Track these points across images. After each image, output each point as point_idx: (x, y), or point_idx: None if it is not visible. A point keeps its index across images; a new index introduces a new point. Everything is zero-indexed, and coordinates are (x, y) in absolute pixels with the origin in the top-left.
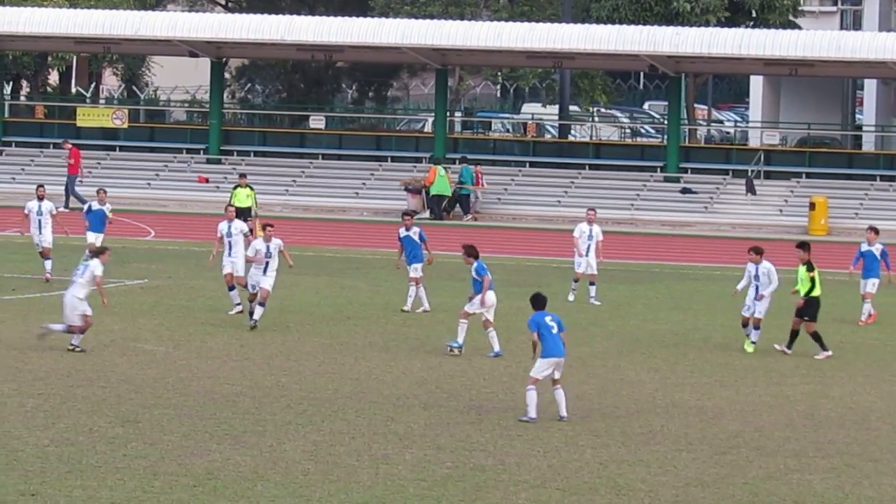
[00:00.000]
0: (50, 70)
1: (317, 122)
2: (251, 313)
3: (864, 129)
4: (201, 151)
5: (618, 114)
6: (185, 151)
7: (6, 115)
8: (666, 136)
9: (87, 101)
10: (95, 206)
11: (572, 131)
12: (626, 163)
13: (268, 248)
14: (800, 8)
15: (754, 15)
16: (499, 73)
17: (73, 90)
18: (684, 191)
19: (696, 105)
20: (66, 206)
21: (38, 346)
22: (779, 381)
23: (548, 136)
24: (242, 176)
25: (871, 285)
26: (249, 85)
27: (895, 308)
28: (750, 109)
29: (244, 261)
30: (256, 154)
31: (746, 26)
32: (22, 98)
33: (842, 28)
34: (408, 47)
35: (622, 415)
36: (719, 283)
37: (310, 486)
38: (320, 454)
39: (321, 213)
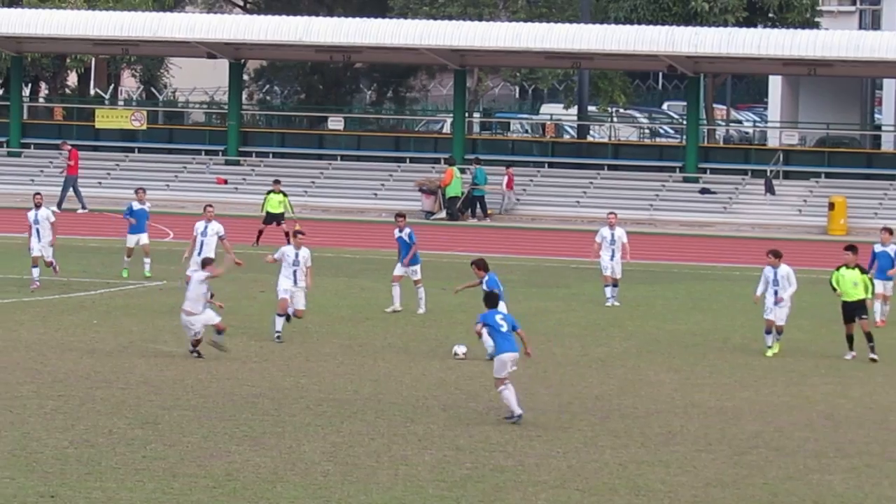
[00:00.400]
0: (68, 72)
1: (335, 123)
2: (279, 326)
3: (884, 128)
4: (220, 153)
5: (636, 114)
6: (203, 153)
7: (25, 117)
8: (685, 137)
9: (106, 102)
10: (136, 205)
11: (591, 132)
12: (644, 163)
13: (296, 255)
14: (818, 8)
15: (773, 15)
16: (517, 74)
17: (92, 92)
18: (703, 191)
19: (714, 105)
20: (84, 208)
21: (59, 348)
22: (798, 381)
23: (566, 137)
24: (277, 182)
25: (885, 286)
26: (268, 86)
27: None
28: (769, 109)
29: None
30: (275, 155)
31: (765, 26)
32: (41, 100)
33: (860, 28)
34: (426, 48)
35: (641, 415)
36: (738, 284)
37: (329, 488)
38: (339, 455)
39: (340, 214)
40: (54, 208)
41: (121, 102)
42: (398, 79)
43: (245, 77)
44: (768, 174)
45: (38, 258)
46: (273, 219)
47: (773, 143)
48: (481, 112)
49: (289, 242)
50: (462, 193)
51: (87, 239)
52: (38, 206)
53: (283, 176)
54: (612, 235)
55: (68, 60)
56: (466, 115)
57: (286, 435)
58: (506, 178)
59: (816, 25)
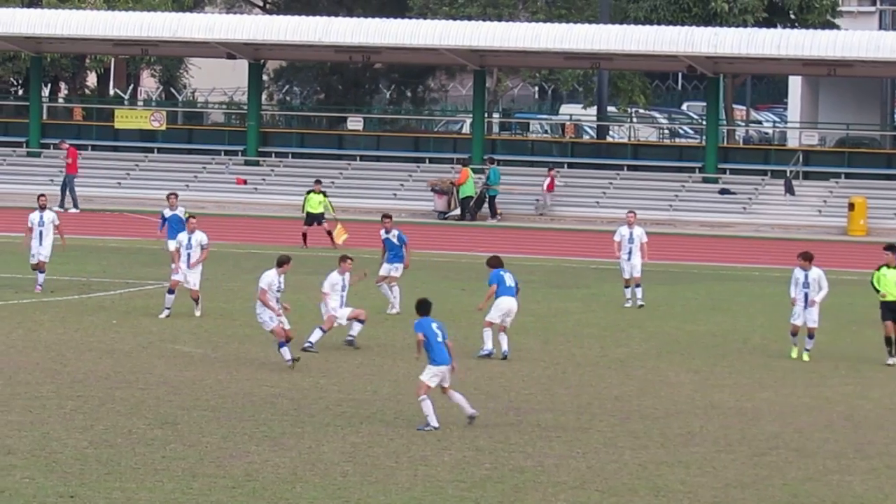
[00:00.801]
0: (88, 72)
1: (354, 123)
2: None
3: None
4: (239, 153)
5: (656, 115)
6: (223, 153)
7: (45, 117)
8: (704, 137)
9: (125, 103)
10: (168, 212)
11: (610, 132)
12: (664, 164)
13: (343, 280)
14: (838, 8)
15: (792, 15)
16: (537, 75)
17: (111, 92)
18: (723, 191)
19: (734, 106)
20: (62, 207)
21: (79, 348)
22: (818, 382)
23: (586, 138)
24: (317, 182)
25: None
26: (287, 86)
27: None
28: (788, 110)
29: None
30: (294, 156)
31: (785, 27)
32: (60, 100)
33: (880, 28)
34: (445, 48)
35: (661, 416)
36: (758, 284)
37: (348, 488)
38: (359, 456)
39: (359, 214)
40: (57, 208)
41: (140, 103)
42: (417, 79)
43: (264, 77)
44: (788, 175)
45: (43, 263)
46: (314, 219)
47: (792, 143)
48: (500, 112)
49: (332, 241)
50: (476, 193)
51: (107, 239)
52: (42, 209)
53: (303, 176)
54: (631, 234)
55: (88, 61)
56: (486, 115)
57: (305, 435)
58: (548, 179)
59: (836, 26)
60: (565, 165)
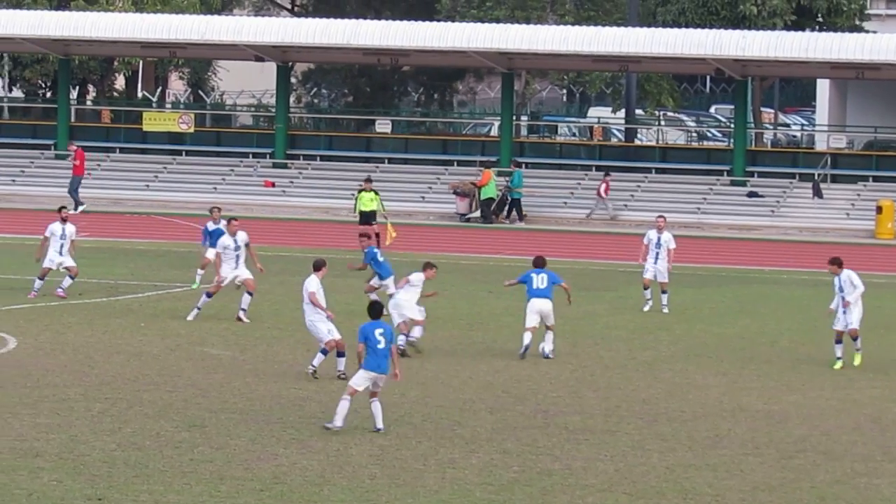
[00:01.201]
0: (116, 75)
1: (383, 126)
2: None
3: None
4: (267, 156)
5: (684, 118)
6: (251, 156)
7: (73, 119)
8: (732, 140)
9: (154, 105)
10: (211, 225)
11: (638, 135)
12: (692, 166)
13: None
14: (866, 11)
15: (820, 18)
16: (565, 78)
17: (140, 95)
18: (751, 194)
19: (762, 109)
20: (77, 209)
21: (106, 351)
22: (845, 385)
23: (614, 140)
24: (367, 180)
25: None
26: (315, 89)
27: None
28: (816, 113)
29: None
30: (322, 158)
31: (813, 30)
32: (88, 103)
33: None
34: (474, 51)
35: (689, 419)
36: (786, 287)
37: (376, 491)
38: (386, 458)
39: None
40: (71, 211)
41: (168, 105)
42: (446, 82)
43: (293, 80)
44: (816, 178)
45: (74, 268)
46: (367, 217)
47: (820, 146)
48: (529, 115)
49: (378, 244)
50: (497, 196)
51: (135, 242)
52: (64, 221)
53: (331, 179)
54: (659, 239)
55: (116, 63)
56: (514, 118)
57: (333, 438)
58: (602, 185)
59: (864, 29)
60: (593, 168)
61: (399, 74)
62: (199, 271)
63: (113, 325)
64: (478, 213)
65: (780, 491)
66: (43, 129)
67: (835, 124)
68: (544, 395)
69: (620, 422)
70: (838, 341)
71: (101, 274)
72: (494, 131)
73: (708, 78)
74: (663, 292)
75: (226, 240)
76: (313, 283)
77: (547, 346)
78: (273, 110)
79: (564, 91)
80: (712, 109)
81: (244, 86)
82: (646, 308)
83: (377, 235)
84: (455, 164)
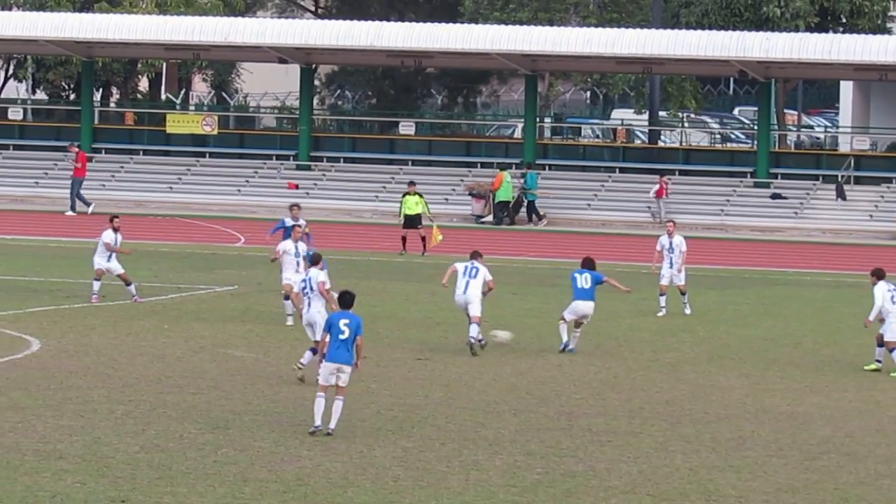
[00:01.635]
0: (139, 77)
1: (406, 128)
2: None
3: None
4: (291, 158)
5: (707, 119)
6: (274, 158)
7: (96, 121)
8: (756, 142)
9: (177, 107)
10: (289, 221)
11: (662, 137)
12: (716, 168)
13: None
14: (889, 13)
15: (844, 20)
16: (588, 80)
17: (163, 97)
18: (774, 196)
19: (786, 110)
20: (73, 210)
21: (130, 353)
22: (869, 386)
23: (637, 142)
24: (411, 184)
25: None
26: (339, 91)
27: None
28: (840, 115)
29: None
30: (346, 160)
31: (836, 32)
32: (112, 105)
33: None
34: (497, 53)
35: (712, 420)
36: (809, 289)
37: (400, 493)
38: (410, 460)
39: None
40: (69, 212)
41: (192, 107)
42: (469, 84)
43: (316, 82)
44: (840, 179)
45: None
46: (412, 221)
47: (844, 148)
48: (552, 117)
49: (424, 248)
50: (514, 198)
51: (159, 244)
52: (116, 230)
53: (354, 181)
54: (671, 243)
55: (139, 65)
56: (537, 120)
57: (357, 440)
58: (657, 186)
59: (888, 31)
60: (617, 170)
61: (422, 76)
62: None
63: (136, 327)
64: (490, 218)
65: (804, 492)
66: (66, 131)
67: (858, 126)
68: (568, 397)
69: (644, 423)
70: (880, 345)
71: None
72: (518, 133)
73: (731, 80)
74: (682, 294)
75: (288, 244)
76: (322, 275)
77: (573, 342)
78: (296, 112)
79: (588, 93)
80: (736, 111)
81: (268, 88)
82: (660, 314)
83: (423, 239)
84: (479, 165)
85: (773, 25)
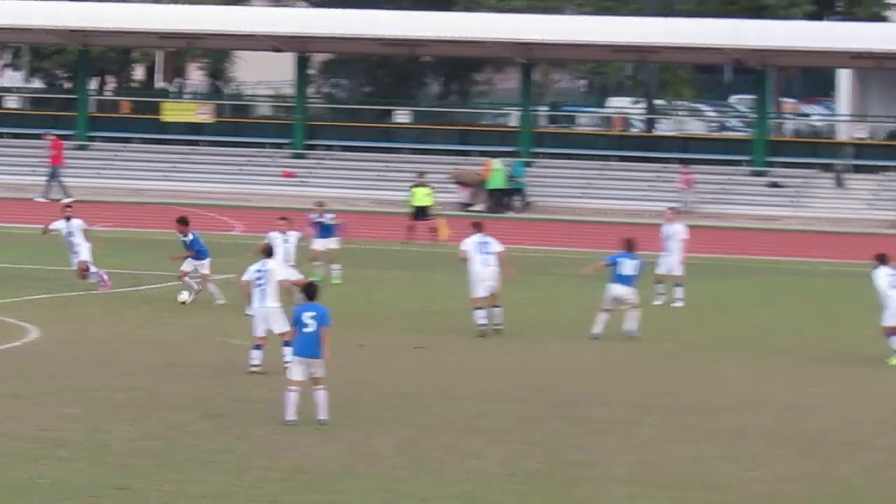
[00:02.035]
0: (135, 65)
1: (401, 116)
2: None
3: None
4: (286, 146)
5: (704, 107)
6: (269, 146)
7: (92, 110)
8: (753, 130)
9: (172, 96)
10: (316, 217)
11: (658, 125)
12: (713, 157)
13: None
14: (886, 1)
15: (840, 8)
16: (582, 68)
17: (161, 85)
18: (772, 185)
19: (782, 99)
20: (45, 196)
21: (129, 341)
22: (869, 375)
23: (634, 130)
24: (421, 175)
25: None
26: (334, 79)
27: None
28: (837, 103)
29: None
30: (341, 149)
31: (832, 19)
32: (107, 93)
33: None
34: (492, 42)
35: (713, 410)
36: (807, 278)
37: (399, 481)
38: (409, 448)
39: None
40: (38, 197)
41: (187, 96)
42: (464, 72)
43: (311, 70)
44: (837, 168)
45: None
46: (422, 212)
47: (842, 136)
48: (548, 105)
49: (434, 239)
50: (506, 186)
51: (154, 232)
52: (68, 219)
53: (349, 169)
54: (670, 231)
55: (135, 54)
56: (533, 108)
57: (355, 428)
58: (683, 177)
59: (885, 18)
60: (613, 159)
61: (417, 65)
62: (334, 266)
63: (134, 315)
64: (480, 206)
65: (805, 482)
66: (63, 119)
67: (855, 114)
68: (568, 386)
69: (645, 413)
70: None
71: (121, 264)
72: (514, 122)
73: (727, 68)
74: (677, 285)
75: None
76: (286, 270)
77: (632, 324)
78: (292, 101)
79: (584, 81)
80: (732, 99)
81: (263, 76)
82: (657, 302)
83: (433, 230)
84: (475, 154)
85: (770, 13)
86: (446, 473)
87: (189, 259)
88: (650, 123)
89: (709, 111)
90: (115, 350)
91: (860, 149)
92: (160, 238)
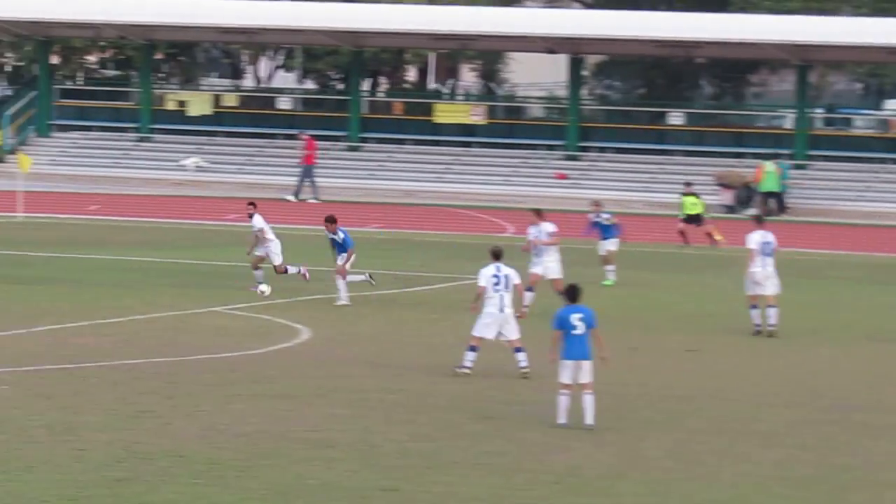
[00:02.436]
0: (407, 66)
1: (675, 118)
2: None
3: None
4: (559, 148)
5: None
6: (542, 148)
7: (365, 111)
8: None
9: (445, 97)
10: (593, 217)
11: None
12: None
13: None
14: None
15: None
16: (858, 70)
17: (433, 86)
18: None
19: None
20: (296, 196)
21: (399, 342)
22: None
23: None
24: (688, 184)
25: None
26: (607, 81)
27: None
28: None
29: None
30: (614, 150)
31: None
32: (379, 94)
33: None
34: (767, 43)
35: None
36: None
37: (670, 485)
38: (681, 452)
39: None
40: (290, 197)
41: (459, 97)
42: (739, 74)
43: (584, 72)
44: None
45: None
46: (694, 220)
47: None
48: (824, 108)
49: (714, 242)
50: (780, 189)
51: (426, 233)
52: (250, 216)
53: (623, 171)
54: None
55: (407, 55)
56: (808, 110)
57: (627, 431)
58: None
59: None
60: (889, 162)
61: (692, 66)
62: (608, 267)
63: (405, 316)
64: (753, 211)
65: None
66: (335, 120)
67: None
68: (842, 390)
69: None
70: None
71: (393, 265)
72: (788, 124)
73: None
74: None
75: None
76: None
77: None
78: (565, 102)
79: (860, 84)
80: None
81: (536, 77)
82: None
83: (709, 235)
84: (748, 156)
85: None
86: (719, 477)
87: (340, 255)
88: None
89: None
90: (385, 351)
91: None
92: (432, 240)
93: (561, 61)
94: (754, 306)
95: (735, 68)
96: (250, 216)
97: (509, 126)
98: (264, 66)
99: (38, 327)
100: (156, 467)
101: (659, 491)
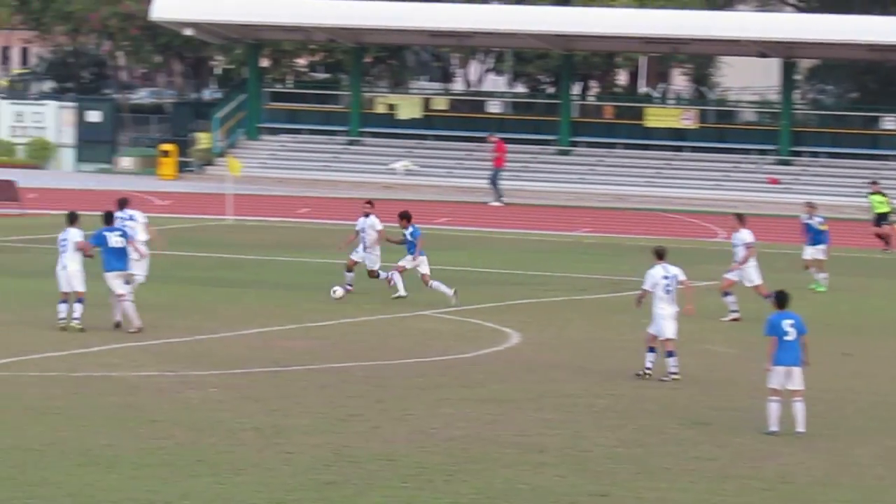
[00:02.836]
0: (618, 70)
1: (889, 123)
2: None
3: None
4: (771, 152)
5: None
6: (754, 152)
7: (575, 115)
8: None
9: (656, 101)
10: (805, 219)
11: None
12: None
13: None
14: None
15: None
16: None
17: (644, 90)
18: None
19: None
20: (500, 199)
21: (609, 347)
22: None
23: None
24: (874, 183)
25: None
26: (820, 85)
27: None
28: None
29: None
30: (827, 155)
31: None
32: (590, 98)
33: None
34: None
35: None
36: None
37: (883, 492)
38: (894, 459)
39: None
40: (494, 202)
41: (672, 101)
42: None
43: (797, 76)
44: None
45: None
46: (880, 219)
47: None
48: None
49: (887, 244)
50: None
51: (637, 238)
52: (366, 215)
53: (836, 177)
54: None
55: (618, 58)
56: None
57: (839, 438)
58: None
59: None
60: None
61: None
62: (821, 274)
63: (614, 321)
64: None
65: None
66: (546, 124)
67: None
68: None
69: None
70: None
71: (604, 270)
72: None
73: None
74: None
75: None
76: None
77: None
78: (777, 106)
79: None
80: None
81: (747, 81)
82: None
83: (882, 237)
84: None
85: None
86: None
87: (407, 256)
88: None
89: None
90: (595, 355)
91: None
92: (644, 244)
93: (773, 65)
94: None
95: None
96: (366, 215)
97: (720, 130)
98: (474, 69)
99: (247, 330)
100: (364, 471)
101: (871, 498)
